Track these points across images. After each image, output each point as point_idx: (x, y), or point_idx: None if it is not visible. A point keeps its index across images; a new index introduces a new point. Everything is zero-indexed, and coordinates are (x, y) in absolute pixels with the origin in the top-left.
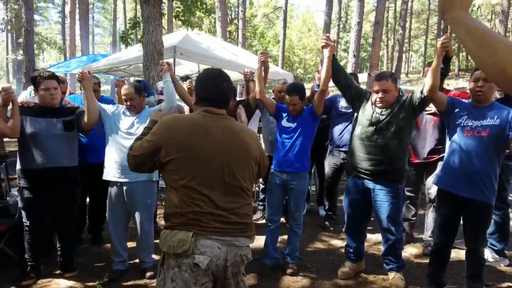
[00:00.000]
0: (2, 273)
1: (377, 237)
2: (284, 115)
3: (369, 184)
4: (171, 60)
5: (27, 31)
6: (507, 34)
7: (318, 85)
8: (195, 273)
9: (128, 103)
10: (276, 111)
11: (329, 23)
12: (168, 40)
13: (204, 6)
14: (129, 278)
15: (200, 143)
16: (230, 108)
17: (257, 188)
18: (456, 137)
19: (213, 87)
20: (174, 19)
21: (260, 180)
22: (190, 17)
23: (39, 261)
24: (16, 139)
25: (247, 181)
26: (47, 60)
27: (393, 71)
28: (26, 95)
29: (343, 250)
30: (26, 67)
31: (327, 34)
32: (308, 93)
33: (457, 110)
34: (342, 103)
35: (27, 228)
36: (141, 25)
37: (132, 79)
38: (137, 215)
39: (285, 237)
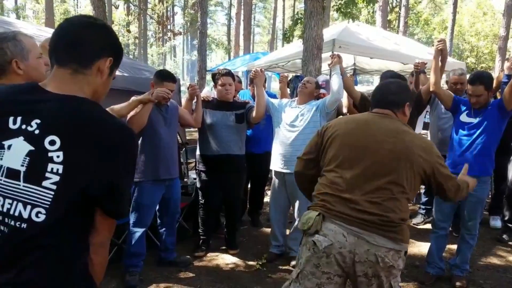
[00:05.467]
0: (179, 244)
1: None
2: (463, 108)
3: None
4: (329, 54)
5: (201, 33)
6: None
7: (508, 76)
8: (316, 254)
9: (305, 83)
10: (454, 104)
11: None
12: (327, 33)
13: None
14: (283, 263)
15: (349, 133)
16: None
17: (419, 190)
18: None
19: (377, 90)
20: (336, 12)
21: None
22: (352, 9)
23: (209, 236)
24: (196, 129)
25: (400, 178)
26: (214, 60)
27: None
28: (208, 90)
29: None
30: (199, 66)
31: None
32: (493, 84)
33: None
34: None
35: (201, 206)
36: (303, 21)
37: (290, 75)
38: (297, 204)
39: (451, 246)
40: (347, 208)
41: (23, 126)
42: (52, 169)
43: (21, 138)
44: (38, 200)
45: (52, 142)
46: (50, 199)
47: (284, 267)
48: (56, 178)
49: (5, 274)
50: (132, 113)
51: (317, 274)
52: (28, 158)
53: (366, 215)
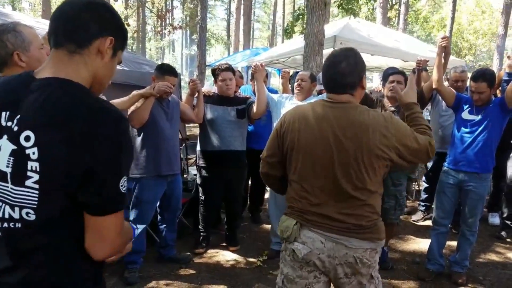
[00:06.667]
0: (179, 241)
1: None
2: (466, 106)
3: None
4: (330, 50)
5: (201, 28)
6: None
7: (509, 74)
8: (296, 260)
9: (299, 82)
10: (456, 101)
11: (511, 3)
12: (328, 30)
13: None
14: None
15: (306, 136)
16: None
17: (416, 187)
18: None
19: (326, 70)
20: (337, 8)
21: (423, 178)
22: (353, 5)
23: (210, 232)
24: (196, 124)
25: (364, 180)
26: (213, 55)
27: None
28: (209, 85)
29: None
30: (199, 61)
31: None
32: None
33: None
34: None
35: (202, 202)
36: (305, 16)
37: (291, 71)
38: None
39: (450, 242)
40: (323, 219)
41: (8, 123)
42: (31, 167)
43: (5, 137)
44: (24, 201)
45: (27, 138)
46: (36, 199)
47: None
48: (36, 177)
49: (6, 276)
50: (132, 107)
51: (303, 275)
52: (12, 158)
53: (341, 223)
